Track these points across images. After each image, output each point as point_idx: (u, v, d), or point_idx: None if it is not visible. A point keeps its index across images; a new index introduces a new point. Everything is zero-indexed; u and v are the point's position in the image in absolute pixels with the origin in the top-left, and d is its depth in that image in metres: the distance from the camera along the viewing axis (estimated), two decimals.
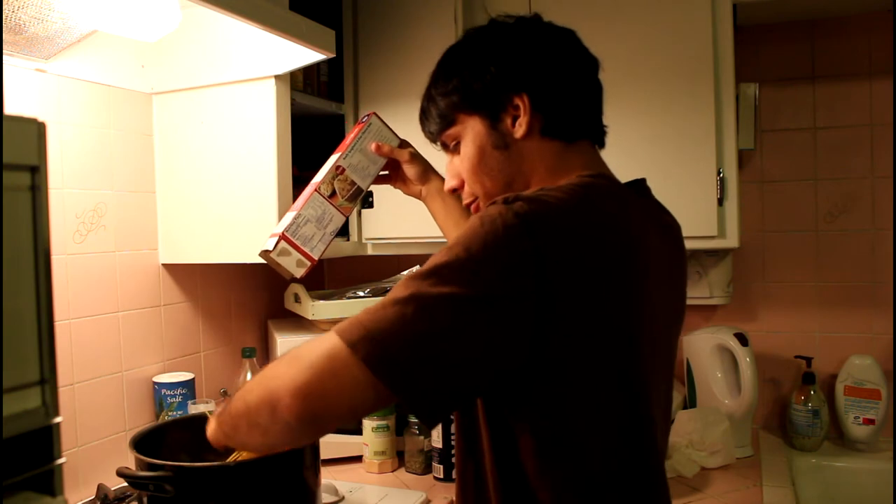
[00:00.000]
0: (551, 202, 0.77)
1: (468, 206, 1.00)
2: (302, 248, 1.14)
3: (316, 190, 1.17)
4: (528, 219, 0.74)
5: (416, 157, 1.25)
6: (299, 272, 1.14)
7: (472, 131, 0.93)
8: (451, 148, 0.98)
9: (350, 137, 1.23)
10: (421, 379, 0.72)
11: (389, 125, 1.27)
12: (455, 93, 0.93)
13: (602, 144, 0.97)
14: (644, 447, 0.85)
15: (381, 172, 1.27)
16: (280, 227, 1.14)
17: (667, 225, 0.96)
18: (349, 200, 1.20)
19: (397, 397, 0.73)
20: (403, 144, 1.27)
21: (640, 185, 0.96)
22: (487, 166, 0.93)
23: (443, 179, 1.21)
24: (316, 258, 1.16)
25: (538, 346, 0.75)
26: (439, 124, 0.97)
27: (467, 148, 0.94)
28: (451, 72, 0.95)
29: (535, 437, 0.81)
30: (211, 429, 0.94)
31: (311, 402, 0.75)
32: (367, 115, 1.26)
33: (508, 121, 0.91)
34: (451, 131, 0.96)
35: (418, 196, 1.28)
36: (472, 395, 0.85)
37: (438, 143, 1.00)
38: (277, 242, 1.12)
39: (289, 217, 1.15)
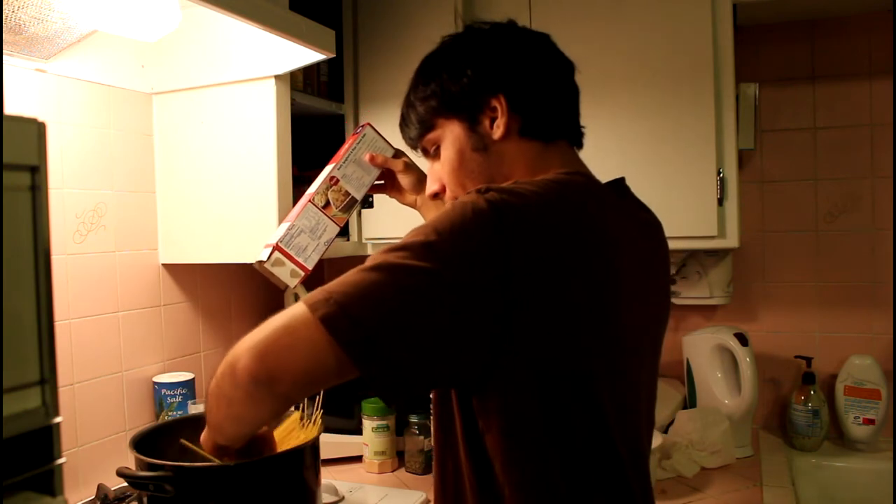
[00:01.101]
0: (525, 194, 0.76)
1: None
2: (296, 258, 1.15)
3: (310, 200, 1.18)
4: (498, 208, 0.73)
5: (411, 167, 1.26)
6: (293, 282, 1.15)
7: (451, 135, 0.94)
8: (432, 153, 0.99)
9: (344, 148, 1.24)
10: (382, 346, 0.70)
11: (384, 134, 1.27)
12: (433, 97, 0.94)
13: (580, 145, 0.97)
14: (610, 455, 0.81)
15: (376, 182, 1.28)
16: (274, 238, 1.15)
17: (646, 223, 0.96)
18: (343, 211, 1.21)
19: (354, 365, 0.70)
20: (398, 154, 1.28)
21: (619, 185, 0.95)
22: (468, 169, 0.93)
23: None
24: (310, 268, 1.17)
25: (500, 339, 0.73)
26: (419, 129, 0.98)
27: (447, 151, 0.95)
28: (428, 77, 0.96)
29: (499, 434, 0.79)
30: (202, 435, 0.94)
31: (266, 360, 0.73)
32: (362, 126, 1.27)
33: (487, 122, 0.91)
34: (431, 136, 0.97)
35: (413, 205, 1.29)
36: (435, 380, 0.81)
37: (419, 150, 1.01)
38: (272, 253, 1.13)
39: (283, 228, 1.16)
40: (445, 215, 0.76)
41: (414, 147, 1.02)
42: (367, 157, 1.24)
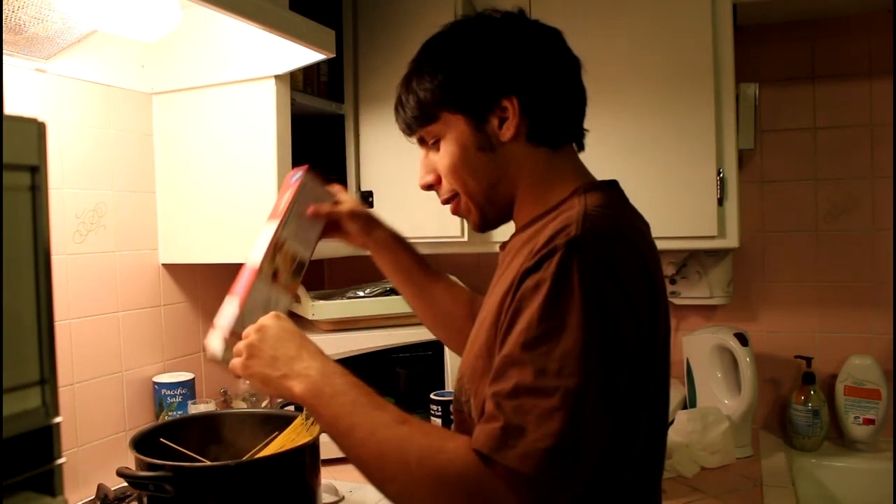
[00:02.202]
0: (610, 234, 0.80)
1: (446, 202, 0.97)
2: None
3: (256, 276, 1.02)
4: (604, 260, 0.77)
5: (357, 212, 1.16)
6: None
7: (455, 130, 0.90)
8: (430, 144, 0.95)
9: (284, 205, 1.08)
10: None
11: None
12: (440, 89, 0.90)
13: (582, 147, 0.96)
14: (660, 454, 0.90)
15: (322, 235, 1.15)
16: (223, 325, 0.99)
17: (646, 227, 0.96)
18: (294, 275, 1.08)
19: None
20: (340, 196, 1.17)
21: (621, 190, 0.96)
22: (471, 167, 0.91)
23: (388, 230, 1.18)
24: None
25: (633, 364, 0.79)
26: (419, 119, 0.93)
27: (450, 146, 0.91)
28: (435, 65, 0.91)
29: None
30: (302, 389, 0.86)
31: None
32: (298, 173, 1.12)
33: (495, 122, 0.88)
34: (432, 128, 0.92)
35: (364, 247, 1.19)
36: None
37: (414, 138, 0.97)
38: (223, 344, 0.97)
39: (229, 313, 1.00)
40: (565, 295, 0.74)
41: (409, 134, 0.97)
42: (309, 212, 1.10)
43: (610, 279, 0.76)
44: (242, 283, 1.03)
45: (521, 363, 0.74)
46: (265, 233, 1.07)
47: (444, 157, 0.92)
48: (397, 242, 1.19)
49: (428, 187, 0.97)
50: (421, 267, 1.19)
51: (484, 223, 0.96)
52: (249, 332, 0.92)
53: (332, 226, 1.16)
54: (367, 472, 0.80)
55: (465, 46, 0.91)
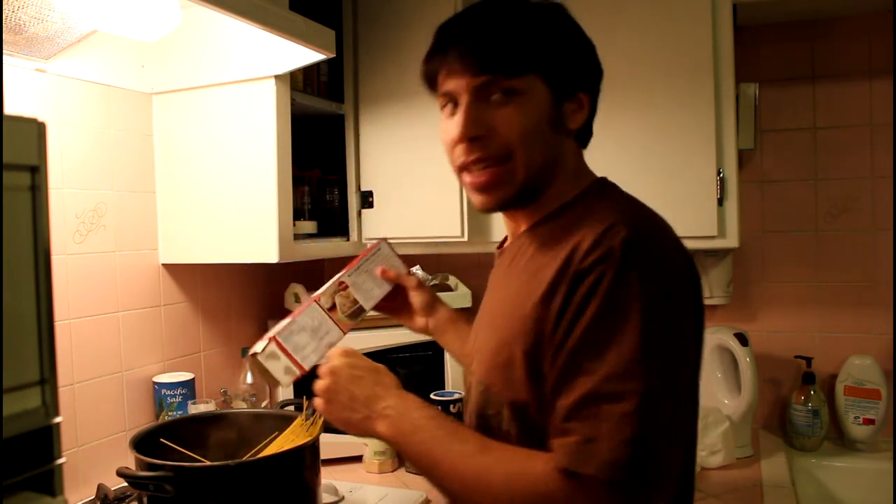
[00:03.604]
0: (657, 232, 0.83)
1: (484, 161, 0.85)
2: (293, 355, 1.05)
3: (315, 300, 1.11)
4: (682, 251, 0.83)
5: (423, 287, 1.20)
6: (286, 380, 1.05)
7: (538, 97, 0.85)
8: (496, 96, 0.84)
9: (358, 259, 1.18)
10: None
11: (398, 253, 1.22)
12: (541, 54, 0.84)
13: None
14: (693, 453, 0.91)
15: (385, 302, 1.20)
16: (272, 331, 1.06)
17: None
18: (350, 317, 1.13)
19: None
20: (410, 274, 1.22)
21: None
22: (537, 138, 0.85)
23: (450, 308, 1.20)
24: (307, 368, 1.06)
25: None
26: (510, 64, 0.83)
27: (532, 108, 0.84)
28: (543, 30, 0.86)
29: None
30: (387, 429, 0.88)
31: None
32: (378, 241, 1.22)
33: (570, 108, 0.88)
34: (516, 82, 0.83)
35: (424, 330, 1.21)
36: None
37: (479, 78, 0.84)
38: (267, 345, 1.03)
39: (283, 322, 1.07)
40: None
41: (479, 71, 0.83)
42: (378, 271, 1.18)
43: (666, 278, 0.77)
44: (301, 305, 1.11)
45: (587, 371, 0.74)
46: (335, 277, 1.15)
47: (521, 115, 0.84)
48: (461, 320, 1.19)
49: (474, 139, 0.85)
50: None
51: (512, 198, 0.88)
52: (323, 373, 0.92)
53: (397, 298, 1.19)
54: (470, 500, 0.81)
55: (566, 28, 0.89)
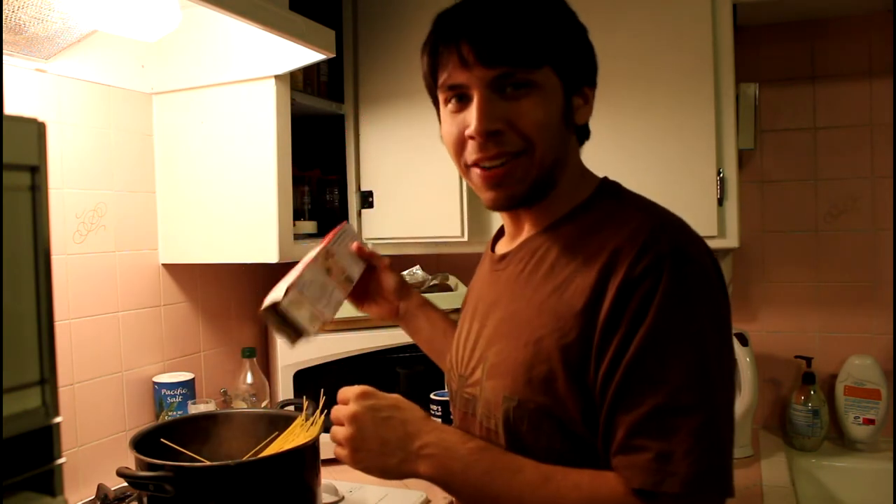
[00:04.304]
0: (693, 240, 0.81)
1: (503, 156, 0.82)
2: (314, 304, 0.98)
3: (312, 260, 1.03)
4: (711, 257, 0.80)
5: (393, 272, 1.16)
6: (313, 329, 0.98)
7: (552, 91, 0.82)
8: (511, 88, 0.80)
9: (332, 233, 1.12)
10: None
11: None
12: (556, 48, 0.82)
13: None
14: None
15: (353, 294, 1.14)
16: (286, 282, 0.98)
17: None
18: (344, 283, 1.08)
19: None
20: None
21: None
22: (554, 132, 0.83)
23: (420, 294, 1.18)
24: (329, 317, 1.01)
25: None
26: (529, 55, 0.80)
27: (549, 102, 0.82)
28: (559, 24, 0.84)
29: None
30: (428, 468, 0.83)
31: None
32: (342, 223, 1.16)
33: (578, 103, 0.86)
34: (533, 74, 0.80)
35: (394, 314, 1.16)
36: None
37: (494, 70, 0.80)
38: (287, 292, 0.94)
39: (290, 277, 0.99)
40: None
41: (491, 62, 0.79)
42: (354, 247, 1.12)
43: (716, 281, 0.76)
44: (298, 266, 1.02)
45: (652, 384, 0.72)
46: (315, 249, 1.07)
47: (540, 108, 0.81)
48: (430, 306, 1.17)
49: (491, 134, 0.81)
50: (448, 335, 1.11)
51: (524, 195, 0.85)
52: (341, 419, 0.85)
53: (367, 281, 1.14)
54: None
55: (573, 20, 0.87)
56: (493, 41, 0.79)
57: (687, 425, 0.70)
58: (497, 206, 0.86)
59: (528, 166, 0.82)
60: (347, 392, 0.87)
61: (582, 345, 0.76)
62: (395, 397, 0.87)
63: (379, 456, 0.83)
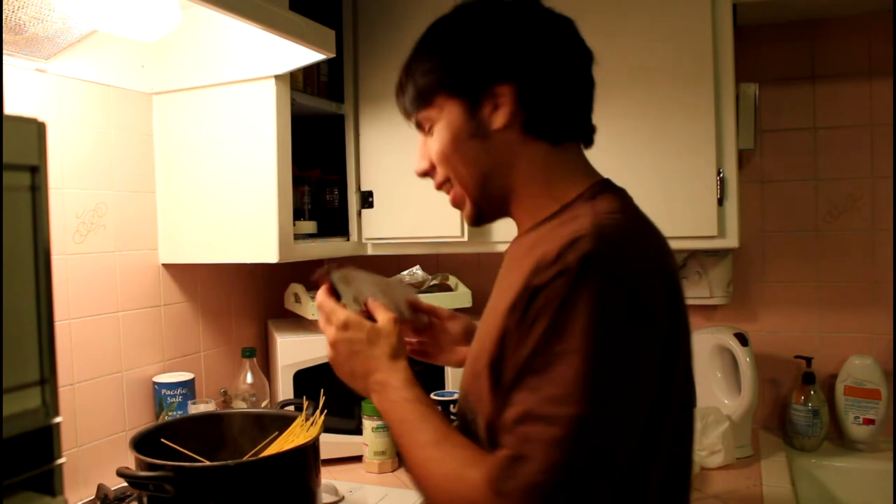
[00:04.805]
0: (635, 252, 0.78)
1: (439, 188, 0.94)
2: (361, 286, 0.99)
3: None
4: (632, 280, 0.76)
5: (455, 313, 1.14)
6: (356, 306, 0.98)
7: (448, 116, 0.87)
8: (427, 130, 0.91)
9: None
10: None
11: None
12: (436, 73, 0.87)
13: (590, 144, 0.92)
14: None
15: (415, 340, 1.11)
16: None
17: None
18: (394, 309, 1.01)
19: None
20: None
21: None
22: (462, 154, 0.87)
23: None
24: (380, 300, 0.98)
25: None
26: (416, 103, 0.90)
27: (442, 132, 0.88)
28: (434, 48, 0.89)
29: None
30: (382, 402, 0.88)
31: None
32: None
33: (488, 109, 0.85)
34: (428, 112, 0.89)
35: (447, 359, 1.13)
36: None
37: (412, 122, 0.93)
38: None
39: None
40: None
41: (408, 117, 0.94)
42: (410, 298, 1.09)
43: (626, 296, 0.72)
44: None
45: (530, 388, 0.72)
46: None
47: (435, 142, 0.89)
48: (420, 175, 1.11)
49: (423, 174, 0.94)
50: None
51: (478, 215, 0.92)
52: (328, 342, 0.93)
53: (437, 334, 1.12)
54: (416, 488, 0.84)
55: (465, 30, 0.88)
56: (399, 102, 0.94)
57: (545, 436, 0.69)
58: (470, 225, 0.96)
59: (460, 190, 0.91)
60: (333, 317, 0.92)
61: (499, 347, 0.79)
62: (374, 329, 0.91)
63: (349, 379, 0.93)
